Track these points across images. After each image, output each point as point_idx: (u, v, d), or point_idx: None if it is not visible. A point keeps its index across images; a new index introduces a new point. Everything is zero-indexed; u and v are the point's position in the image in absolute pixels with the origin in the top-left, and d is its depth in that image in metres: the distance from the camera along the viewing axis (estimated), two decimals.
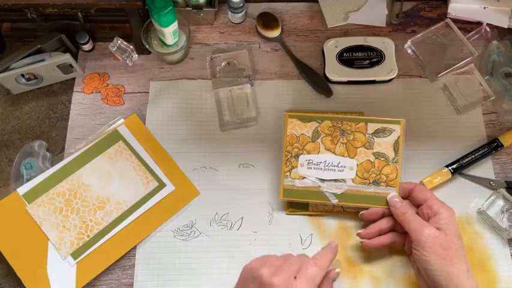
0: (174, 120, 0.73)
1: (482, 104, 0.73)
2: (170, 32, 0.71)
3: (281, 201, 0.67)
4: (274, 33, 0.78)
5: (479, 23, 0.78)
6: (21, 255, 0.63)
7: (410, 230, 0.58)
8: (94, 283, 0.64)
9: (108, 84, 0.76)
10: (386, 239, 0.62)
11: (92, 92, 0.75)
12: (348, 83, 0.75)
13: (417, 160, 0.70)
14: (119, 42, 0.75)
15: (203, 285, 0.64)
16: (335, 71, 0.74)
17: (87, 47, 0.77)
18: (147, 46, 0.73)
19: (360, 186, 0.63)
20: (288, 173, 0.64)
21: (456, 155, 0.70)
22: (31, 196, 0.66)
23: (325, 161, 0.64)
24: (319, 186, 0.63)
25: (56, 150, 0.72)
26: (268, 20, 0.79)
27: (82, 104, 0.74)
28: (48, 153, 0.70)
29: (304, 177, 0.64)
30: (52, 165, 0.68)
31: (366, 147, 0.63)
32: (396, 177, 0.63)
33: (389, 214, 0.62)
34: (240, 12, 0.78)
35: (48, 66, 0.71)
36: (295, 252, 0.65)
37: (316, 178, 0.63)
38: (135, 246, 0.66)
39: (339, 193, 0.63)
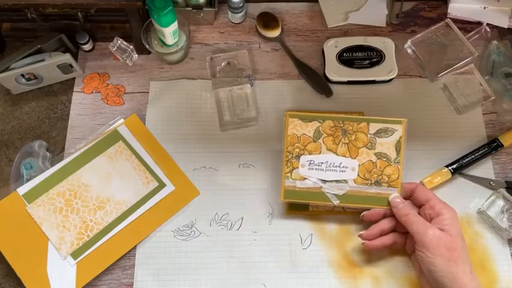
0: (174, 120, 0.73)
1: (482, 104, 0.73)
2: (170, 32, 0.71)
3: (281, 201, 0.67)
4: (274, 33, 0.78)
5: (479, 23, 0.78)
6: (21, 255, 0.63)
7: (413, 231, 0.58)
8: (94, 283, 0.64)
9: (108, 84, 0.76)
10: (387, 239, 0.62)
11: (92, 92, 0.75)
12: (348, 83, 0.75)
13: (417, 160, 0.70)
14: (119, 42, 0.75)
15: (203, 285, 0.64)
16: (335, 71, 0.74)
17: (87, 47, 0.77)
18: (147, 46, 0.73)
19: (362, 187, 0.63)
20: (289, 174, 0.63)
21: (456, 155, 0.70)
22: (31, 196, 0.66)
23: (327, 162, 0.63)
24: (321, 187, 0.63)
25: (56, 150, 0.72)
26: (268, 20, 0.79)
27: (82, 104, 0.74)
28: (48, 153, 0.70)
29: (305, 178, 0.63)
30: (52, 165, 0.68)
31: (367, 148, 0.63)
32: (398, 178, 0.63)
33: (390, 215, 0.62)
34: (240, 12, 0.78)
35: (48, 66, 0.71)
36: (295, 253, 0.65)
37: (318, 179, 0.63)
38: (135, 246, 0.66)
39: (340, 194, 0.63)
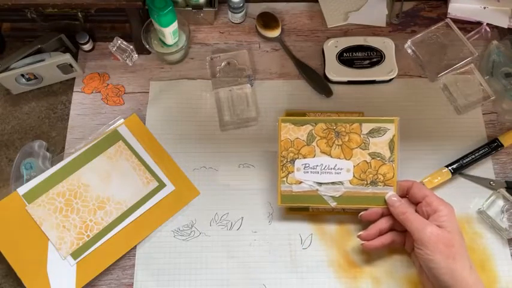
0: (174, 120, 0.73)
1: (482, 104, 0.73)
2: (170, 32, 0.71)
3: (279, 206, 0.66)
4: (274, 33, 0.78)
5: (479, 23, 0.78)
6: (21, 255, 0.63)
7: (411, 229, 0.58)
8: (94, 283, 0.64)
9: (108, 84, 0.76)
10: (386, 238, 0.62)
11: (92, 92, 0.75)
12: (348, 83, 0.75)
13: (417, 160, 0.70)
14: (119, 42, 0.75)
15: (203, 285, 0.64)
16: (335, 71, 0.74)
17: (87, 47, 0.77)
18: (147, 46, 0.73)
19: (358, 188, 0.63)
20: (285, 179, 0.63)
21: (456, 155, 0.70)
22: (31, 196, 0.66)
23: (322, 164, 0.63)
24: (317, 190, 0.63)
25: (56, 150, 0.72)
26: (268, 20, 0.79)
27: (82, 104, 0.74)
28: (48, 153, 0.70)
29: (301, 182, 0.63)
30: (52, 165, 0.68)
31: (361, 148, 0.63)
32: (393, 176, 0.63)
33: (388, 214, 0.62)
34: (240, 12, 0.78)
35: (48, 66, 0.71)
36: (295, 253, 0.65)
37: (314, 182, 0.63)
38: (135, 246, 0.66)
39: (337, 196, 0.63)
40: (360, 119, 0.63)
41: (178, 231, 0.67)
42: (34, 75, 0.72)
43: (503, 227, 0.65)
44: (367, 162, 0.63)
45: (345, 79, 0.74)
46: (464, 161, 0.69)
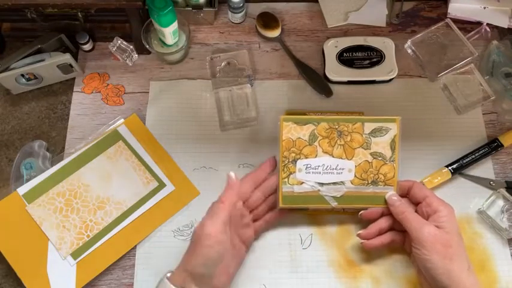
0: (174, 120, 0.73)
1: (482, 104, 0.73)
2: (170, 32, 0.71)
3: (280, 207, 0.66)
4: (274, 33, 0.78)
5: (479, 23, 0.78)
6: (21, 255, 0.63)
7: (410, 228, 0.58)
8: (94, 283, 0.64)
9: (108, 84, 0.76)
10: (386, 238, 0.62)
11: (92, 92, 0.75)
12: (348, 83, 0.75)
13: (417, 160, 0.70)
14: (119, 42, 0.75)
15: None
16: (335, 71, 0.74)
17: (87, 47, 0.77)
18: (147, 46, 0.73)
19: (359, 188, 0.63)
20: (286, 179, 0.63)
21: (456, 155, 0.70)
22: (31, 196, 0.66)
23: (323, 165, 0.63)
24: (319, 190, 0.63)
25: (56, 150, 0.72)
26: (268, 20, 0.79)
27: (82, 104, 0.74)
28: (48, 153, 0.70)
29: (303, 183, 0.63)
30: (52, 165, 0.68)
31: (363, 148, 0.63)
32: (394, 176, 0.63)
33: (388, 213, 0.62)
34: (240, 12, 0.78)
35: (48, 66, 0.71)
36: (295, 253, 0.65)
37: (315, 182, 0.63)
38: (135, 246, 0.66)
39: (338, 196, 0.63)
40: (362, 118, 0.63)
41: (178, 231, 0.67)
42: (34, 75, 0.72)
43: (503, 227, 0.65)
44: (369, 162, 0.63)
45: (345, 79, 0.74)
46: (464, 161, 0.69)
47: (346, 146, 0.63)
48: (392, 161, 0.63)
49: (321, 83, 0.75)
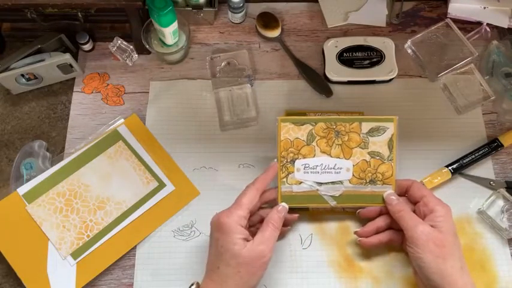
0: (174, 120, 0.73)
1: (482, 104, 0.73)
2: (170, 32, 0.71)
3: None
4: (274, 33, 0.78)
5: (479, 23, 0.78)
6: (21, 255, 0.63)
7: (404, 227, 0.58)
8: (94, 283, 0.64)
9: (108, 84, 0.76)
10: (383, 236, 0.62)
11: (92, 92, 0.75)
12: (348, 83, 0.75)
13: (417, 160, 0.70)
14: (119, 42, 0.75)
15: None
16: (335, 71, 0.74)
17: (87, 47, 0.77)
18: (147, 46, 0.73)
19: (357, 187, 0.63)
20: (285, 179, 0.63)
21: (456, 155, 0.70)
22: (31, 196, 0.66)
23: (322, 164, 0.63)
24: (317, 190, 0.63)
25: (56, 150, 0.72)
26: (268, 20, 0.79)
27: (82, 104, 0.74)
28: (48, 153, 0.70)
29: (302, 182, 0.63)
30: (52, 165, 0.68)
31: (361, 147, 0.63)
32: (392, 175, 0.63)
33: (386, 212, 0.62)
34: (240, 12, 0.78)
35: (48, 66, 0.71)
36: (295, 253, 0.65)
37: (314, 182, 0.63)
38: (135, 246, 0.66)
39: (336, 195, 0.63)
40: (359, 118, 0.63)
41: (178, 231, 0.67)
42: (34, 75, 0.72)
43: (503, 227, 0.65)
44: (367, 161, 0.63)
45: (345, 79, 0.74)
46: (464, 161, 0.69)
47: (344, 145, 0.63)
48: (390, 160, 0.63)
49: (321, 83, 0.75)
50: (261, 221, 0.61)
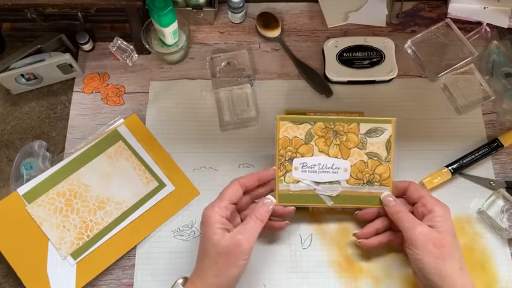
0: (174, 120, 0.73)
1: (482, 104, 0.73)
2: (170, 32, 0.71)
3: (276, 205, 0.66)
4: (274, 33, 0.78)
5: (479, 23, 0.78)
6: (21, 255, 0.63)
7: (403, 228, 0.58)
8: (94, 283, 0.64)
9: (108, 84, 0.76)
10: (383, 237, 0.62)
11: (92, 92, 0.75)
12: (348, 83, 0.75)
13: (417, 160, 0.70)
14: (119, 42, 0.75)
15: None
16: (335, 71, 0.74)
17: (87, 47, 0.77)
18: (147, 46, 0.73)
19: (355, 187, 0.63)
20: (283, 178, 0.63)
21: (456, 155, 0.70)
22: (31, 196, 0.66)
23: (319, 164, 0.63)
24: (315, 189, 0.63)
25: (56, 150, 0.72)
26: (268, 20, 0.79)
27: (82, 104, 0.74)
28: (48, 153, 0.70)
29: (299, 181, 0.63)
30: (52, 165, 0.68)
31: (359, 148, 0.63)
32: (389, 176, 0.63)
33: (384, 214, 0.62)
34: (240, 12, 0.78)
35: (48, 66, 0.71)
36: (295, 253, 0.65)
37: (311, 181, 0.63)
38: (135, 246, 0.66)
39: (334, 195, 0.63)
40: (358, 119, 0.64)
41: (178, 231, 0.67)
42: (34, 75, 0.73)
43: (503, 227, 0.65)
44: (364, 162, 0.63)
45: (345, 79, 0.74)
46: (464, 161, 0.69)
47: (342, 145, 0.63)
48: (387, 161, 0.63)
49: (321, 83, 0.75)
50: None
